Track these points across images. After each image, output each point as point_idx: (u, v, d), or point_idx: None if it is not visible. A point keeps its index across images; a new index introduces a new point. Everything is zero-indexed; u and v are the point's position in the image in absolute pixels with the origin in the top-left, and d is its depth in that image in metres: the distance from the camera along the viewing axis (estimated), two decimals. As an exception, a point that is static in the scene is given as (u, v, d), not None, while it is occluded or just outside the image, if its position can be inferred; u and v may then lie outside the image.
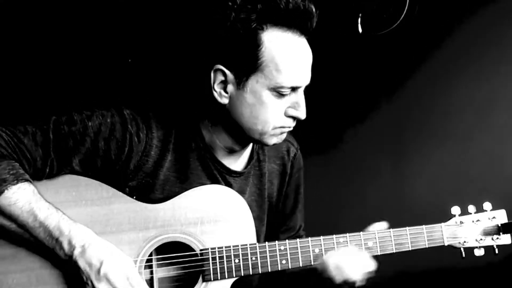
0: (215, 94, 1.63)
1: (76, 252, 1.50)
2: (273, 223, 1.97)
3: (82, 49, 2.45)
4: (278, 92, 1.59)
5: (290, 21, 1.57)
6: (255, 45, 1.55)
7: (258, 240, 1.85)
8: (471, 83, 2.64)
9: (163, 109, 1.74)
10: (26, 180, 1.51)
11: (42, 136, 1.57)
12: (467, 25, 2.63)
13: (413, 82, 2.71)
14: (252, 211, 1.74)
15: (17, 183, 1.48)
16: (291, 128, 1.70)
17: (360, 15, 2.51)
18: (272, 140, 1.69)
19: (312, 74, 1.65)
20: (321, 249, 1.70)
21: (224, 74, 1.61)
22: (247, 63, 1.57)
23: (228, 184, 1.78)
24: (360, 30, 2.52)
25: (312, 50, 1.63)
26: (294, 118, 1.66)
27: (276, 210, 1.96)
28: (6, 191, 1.47)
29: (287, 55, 1.57)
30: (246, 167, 1.84)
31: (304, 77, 1.62)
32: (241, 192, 1.80)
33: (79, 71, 2.46)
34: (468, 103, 2.66)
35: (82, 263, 1.50)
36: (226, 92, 1.62)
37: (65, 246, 1.50)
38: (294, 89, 1.62)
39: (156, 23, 2.47)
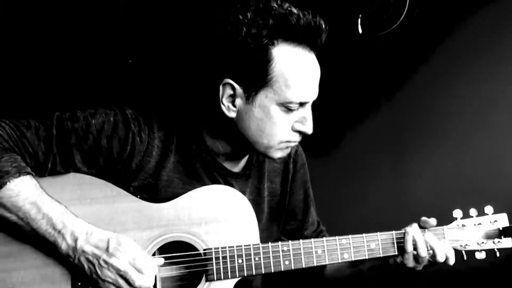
0: (223, 108, 1.63)
1: (80, 240, 1.50)
2: (288, 222, 1.99)
3: (87, 49, 2.44)
4: (286, 107, 1.60)
5: (301, 37, 1.57)
6: (266, 60, 1.55)
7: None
8: (471, 84, 2.66)
9: (165, 111, 1.74)
10: (28, 174, 1.52)
11: (45, 131, 1.57)
12: (467, 26, 2.64)
13: (413, 82, 2.72)
14: None
15: (19, 175, 1.48)
16: (297, 143, 1.70)
17: (360, 16, 2.51)
18: (277, 154, 1.69)
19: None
20: (324, 250, 1.71)
21: (233, 88, 1.60)
22: (257, 78, 1.57)
23: (229, 185, 1.78)
24: (360, 31, 2.52)
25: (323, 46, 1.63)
26: (300, 132, 1.66)
27: (284, 208, 1.96)
28: (8, 183, 1.46)
29: (297, 71, 1.57)
30: (246, 168, 1.85)
31: (312, 93, 1.63)
32: (242, 192, 1.79)
33: (83, 70, 2.45)
34: (468, 104, 2.67)
35: (88, 249, 1.50)
36: (234, 106, 1.62)
37: (68, 237, 1.50)
38: (302, 104, 1.62)
39: (161, 25, 2.46)
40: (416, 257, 1.74)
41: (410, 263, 1.76)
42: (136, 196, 1.65)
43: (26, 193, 1.49)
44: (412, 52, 2.66)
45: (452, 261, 1.74)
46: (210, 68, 1.67)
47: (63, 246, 1.50)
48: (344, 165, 2.74)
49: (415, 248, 1.72)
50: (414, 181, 2.71)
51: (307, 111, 1.65)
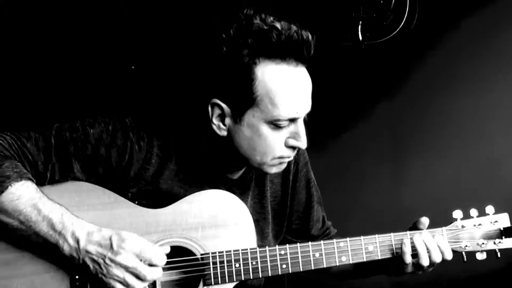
0: (214, 127, 1.63)
1: (83, 241, 1.50)
2: (293, 222, 1.98)
3: (85, 57, 2.49)
4: (275, 124, 1.57)
5: (284, 52, 1.53)
6: (249, 79, 1.53)
7: (267, 239, 1.88)
8: (470, 88, 2.66)
9: (164, 119, 1.76)
10: (29, 179, 1.54)
11: (44, 142, 1.60)
12: (465, 33, 2.66)
13: (412, 88, 2.72)
14: (255, 213, 1.75)
15: (20, 180, 1.51)
16: (291, 158, 1.68)
17: (360, 23, 2.53)
18: (272, 170, 1.68)
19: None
20: (322, 253, 1.70)
21: (221, 108, 1.59)
22: (242, 97, 1.56)
23: (230, 191, 1.77)
24: (360, 37, 2.54)
25: (313, 56, 1.62)
26: (294, 148, 1.64)
27: (286, 208, 1.95)
28: (10, 187, 1.49)
29: (282, 88, 1.54)
30: (247, 172, 1.84)
31: (301, 108, 1.59)
32: (244, 197, 1.81)
33: (82, 79, 2.49)
34: (467, 108, 2.67)
35: (92, 248, 1.50)
36: (225, 125, 1.62)
37: (69, 238, 1.50)
38: (292, 120, 1.59)
39: (159, 32, 2.50)
40: (417, 265, 1.72)
41: (409, 269, 1.75)
42: (134, 202, 1.67)
43: (27, 196, 1.51)
44: (411, 59, 2.68)
45: (449, 256, 1.72)
46: (199, 88, 1.66)
47: (66, 247, 1.51)
48: (343, 169, 2.74)
49: (414, 256, 1.71)
50: (413, 185, 2.70)
51: (299, 126, 1.61)
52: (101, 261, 1.50)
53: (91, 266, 1.51)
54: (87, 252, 1.50)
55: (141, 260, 1.53)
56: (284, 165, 1.70)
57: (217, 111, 1.60)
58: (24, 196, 1.50)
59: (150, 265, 1.54)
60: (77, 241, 1.50)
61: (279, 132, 1.59)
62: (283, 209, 1.95)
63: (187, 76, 2.36)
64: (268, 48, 1.52)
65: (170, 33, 2.53)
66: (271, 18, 1.54)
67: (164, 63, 2.53)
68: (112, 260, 1.50)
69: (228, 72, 1.55)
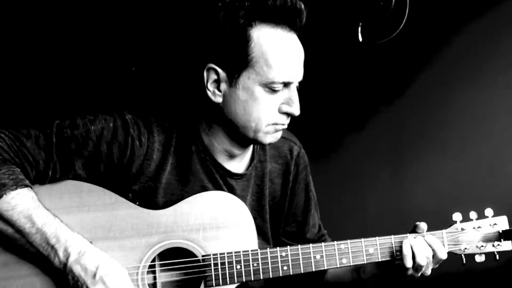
0: (209, 93, 1.65)
1: (71, 259, 1.51)
2: (289, 224, 1.98)
3: (85, 55, 2.47)
4: (270, 88, 1.61)
5: (278, 17, 1.59)
6: (245, 41, 1.58)
7: (265, 237, 1.89)
8: (469, 90, 2.67)
9: (164, 114, 1.76)
10: (26, 186, 1.53)
11: (45, 140, 1.59)
12: (465, 34, 2.66)
13: (413, 89, 2.72)
14: (254, 211, 1.75)
15: (16, 188, 1.50)
16: (285, 126, 1.70)
17: (360, 24, 2.53)
18: (267, 139, 1.69)
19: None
20: (322, 255, 1.71)
21: (217, 73, 1.63)
22: (238, 59, 1.59)
23: (230, 187, 1.79)
24: (360, 38, 2.54)
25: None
26: (288, 114, 1.67)
27: (284, 209, 1.95)
28: (4, 196, 1.48)
29: (277, 50, 1.59)
30: (247, 168, 1.84)
31: (295, 73, 1.63)
32: (244, 193, 1.82)
33: (82, 76, 2.48)
34: (467, 110, 2.68)
35: (77, 269, 1.51)
36: (220, 91, 1.64)
37: (60, 253, 1.51)
38: (286, 84, 1.63)
39: (158, 30, 2.49)
40: (416, 267, 1.73)
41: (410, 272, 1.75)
42: (135, 203, 1.66)
43: (22, 206, 1.50)
44: (411, 60, 2.68)
45: (442, 255, 1.72)
46: (194, 54, 1.71)
47: (56, 261, 1.52)
48: (343, 171, 2.74)
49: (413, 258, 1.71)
50: (414, 187, 2.70)
51: (292, 92, 1.65)
52: (79, 284, 1.51)
53: (71, 283, 1.52)
54: (71, 271, 1.51)
55: None
56: (279, 134, 1.72)
57: (212, 76, 1.63)
58: (19, 206, 1.50)
59: None
60: (67, 258, 1.51)
61: (273, 96, 1.62)
62: (281, 210, 1.96)
63: (180, 46, 2.38)
64: (263, 11, 1.57)
65: (171, 23, 2.52)
66: None
67: (165, 54, 2.52)
68: None
69: (224, 35, 1.59)
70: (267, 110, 1.63)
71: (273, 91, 1.62)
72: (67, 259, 1.51)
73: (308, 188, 2.00)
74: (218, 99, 1.65)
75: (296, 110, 1.65)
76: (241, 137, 1.70)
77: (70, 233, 1.54)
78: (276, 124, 1.67)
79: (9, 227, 1.51)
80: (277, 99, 1.64)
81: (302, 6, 1.61)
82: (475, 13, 2.62)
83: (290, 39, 1.62)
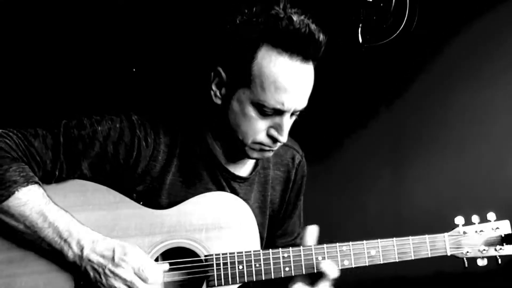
0: (212, 93, 1.67)
1: (87, 249, 1.52)
2: (270, 227, 1.98)
3: (92, 57, 2.47)
4: (260, 109, 1.60)
5: (288, 44, 1.54)
6: (250, 57, 1.57)
7: (260, 246, 1.88)
8: (470, 91, 2.68)
9: (170, 115, 1.77)
10: (36, 183, 1.54)
11: (52, 139, 1.59)
12: (465, 34, 2.67)
13: (412, 90, 2.74)
14: (256, 217, 1.75)
15: (27, 185, 1.51)
16: (272, 149, 1.69)
17: (360, 25, 2.53)
18: (253, 154, 1.69)
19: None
20: (325, 256, 1.71)
21: (221, 77, 1.64)
22: (240, 72, 1.60)
23: (233, 190, 1.80)
24: (360, 40, 2.54)
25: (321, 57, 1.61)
26: (274, 140, 1.65)
27: (277, 216, 1.97)
28: (16, 192, 1.49)
29: (275, 77, 1.55)
30: (251, 173, 1.85)
31: (289, 102, 1.59)
32: (246, 197, 1.82)
33: (89, 78, 2.48)
34: (467, 111, 2.69)
35: (94, 257, 1.52)
36: (220, 94, 1.66)
37: (74, 246, 1.52)
38: (278, 112, 1.61)
39: (165, 31, 2.50)
40: None
41: None
42: (139, 203, 1.67)
43: (33, 202, 1.51)
44: (411, 61, 2.69)
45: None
46: (206, 54, 1.73)
47: (70, 254, 1.53)
48: (344, 172, 2.75)
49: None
50: (414, 187, 2.72)
51: (284, 120, 1.62)
52: (101, 270, 1.53)
53: (91, 274, 1.54)
54: (89, 260, 1.53)
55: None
56: (267, 154, 1.71)
57: (217, 79, 1.66)
58: (31, 201, 1.51)
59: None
60: (81, 249, 1.53)
61: (263, 119, 1.62)
62: (276, 216, 1.97)
63: (193, 46, 2.37)
64: (273, 34, 1.55)
65: (177, 24, 2.52)
66: (294, 10, 1.57)
67: (169, 56, 2.52)
68: (111, 271, 1.53)
69: (236, 44, 1.60)
70: (254, 129, 1.63)
71: (264, 113, 1.61)
72: (81, 251, 1.52)
73: (298, 197, 2.01)
74: (218, 101, 1.67)
75: (282, 138, 1.64)
76: (233, 144, 1.71)
77: (81, 226, 1.56)
78: (262, 144, 1.66)
79: (21, 222, 1.51)
80: (267, 122, 1.63)
81: (321, 36, 1.56)
82: (475, 13, 2.63)
83: (296, 68, 1.57)
